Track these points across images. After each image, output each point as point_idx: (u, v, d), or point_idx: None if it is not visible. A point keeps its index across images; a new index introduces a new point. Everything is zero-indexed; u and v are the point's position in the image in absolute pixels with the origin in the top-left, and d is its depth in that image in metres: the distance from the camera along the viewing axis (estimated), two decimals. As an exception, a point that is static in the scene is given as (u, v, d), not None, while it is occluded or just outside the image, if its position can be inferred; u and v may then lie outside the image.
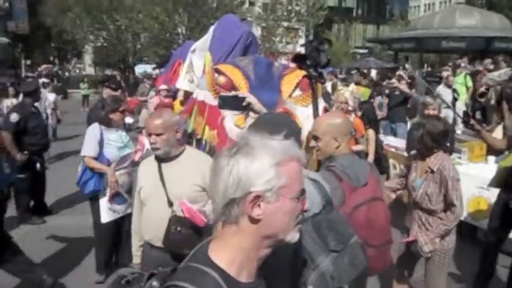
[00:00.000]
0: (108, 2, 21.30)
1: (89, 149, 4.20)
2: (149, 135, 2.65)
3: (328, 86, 10.29)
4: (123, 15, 21.07)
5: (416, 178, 3.27)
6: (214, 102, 3.31)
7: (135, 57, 26.42)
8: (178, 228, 2.57)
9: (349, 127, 2.45)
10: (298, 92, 3.43)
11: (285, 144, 1.03)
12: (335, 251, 1.56)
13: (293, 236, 1.04)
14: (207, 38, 4.37)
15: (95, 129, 4.23)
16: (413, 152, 4.12)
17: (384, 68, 19.80)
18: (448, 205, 3.09)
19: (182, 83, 4.52)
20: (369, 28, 52.60)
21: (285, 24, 32.32)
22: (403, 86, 8.55)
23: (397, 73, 9.75)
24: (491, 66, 10.02)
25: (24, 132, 5.84)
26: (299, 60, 3.37)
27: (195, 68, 4.25)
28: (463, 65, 13.01)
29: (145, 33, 21.92)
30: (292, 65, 3.72)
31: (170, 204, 2.64)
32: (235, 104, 2.91)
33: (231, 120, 3.29)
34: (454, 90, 10.13)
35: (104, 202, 4.15)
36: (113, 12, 21.74)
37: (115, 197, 4.15)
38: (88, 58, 35.37)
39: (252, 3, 34.26)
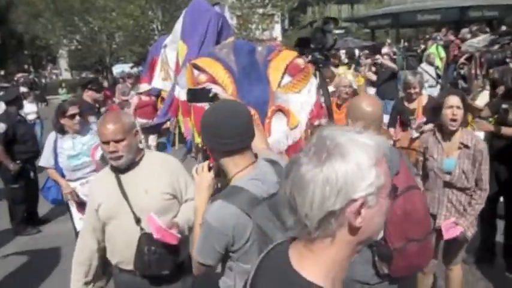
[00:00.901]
0: (79, 4, 20.85)
1: (43, 159, 4.10)
2: (106, 143, 2.27)
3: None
4: (95, 15, 20.71)
5: (444, 159, 3.03)
6: None
7: (112, 58, 26.05)
8: (153, 248, 2.24)
9: (382, 113, 2.37)
10: (287, 79, 3.13)
11: (375, 139, 0.91)
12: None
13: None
14: (177, 28, 4.17)
15: (50, 137, 4.09)
16: (427, 127, 4.05)
17: (365, 47, 19.90)
18: (477, 182, 2.96)
19: (156, 81, 4.40)
20: (343, 8, 52.46)
21: (260, 11, 32.17)
22: (388, 61, 8.59)
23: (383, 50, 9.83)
24: (469, 36, 10.12)
25: (13, 141, 5.76)
26: (302, 44, 3.10)
27: (170, 63, 4.10)
28: (438, 38, 13.11)
29: (120, 32, 21.58)
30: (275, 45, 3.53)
31: (137, 220, 2.30)
32: (204, 96, 2.52)
33: None
34: (437, 67, 10.23)
35: (74, 211, 4.04)
36: (84, 13, 21.34)
37: (82, 206, 3.77)
38: (64, 63, 34.70)
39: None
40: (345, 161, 0.84)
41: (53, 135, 4.06)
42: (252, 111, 2.48)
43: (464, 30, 11.03)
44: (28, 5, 24.93)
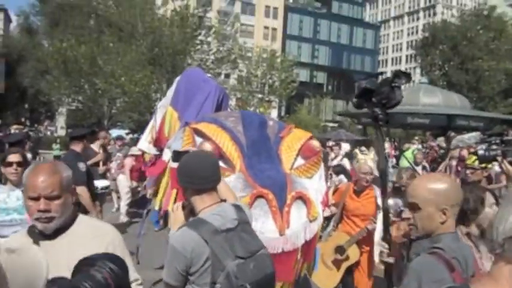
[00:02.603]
0: (88, 67, 21.77)
1: None
2: (35, 199, 1.80)
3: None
4: (102, 79, 21.53)
5: None
6: None
7: (110, 122, 26.58)
8: None
9: (460, 195, 1.88)
10: (300, 161, 2.81)
11: None
12: (242, 257, 1.92)
13: None
14: (168, 95, 3.99)
15: None
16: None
17: (357, 141, 20.56)
18: None
19: (142, 143, 4.13)
20: (338, 103, 54.87)
21: (259, 96, 33.59)
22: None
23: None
24: (444, 145, 10.55)
25: None
26: (364, 95, 2.50)
27: (157, 126, 3.87)
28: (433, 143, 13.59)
29: (124, 97, 22.30)
30: (287, 125, 3.14)
31: None
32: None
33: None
34: (424, 168, 10.59)
35: None
36: (92, 76, 22.19)
37: None
38: (62, 120, 35.27)
39: (227, 76, 35.59)
40: None
41: None
42: (270, 196, 2.42)
43: (440, 139, 11.55)
44: (38, 61, 25.94)
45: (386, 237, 2.95)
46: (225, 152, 2.69)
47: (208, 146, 2.64)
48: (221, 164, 2.51)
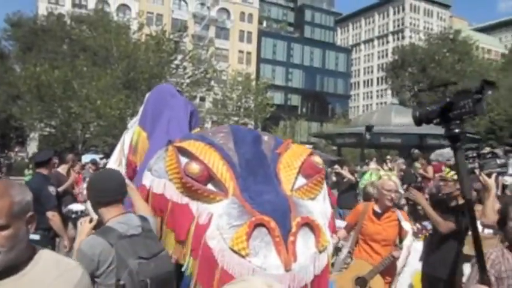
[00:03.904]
0: (62, 91, 21.56)
1: None
2: None
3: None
4: (76, 103, 21.34)
5: None
6: (183, 199, 2.36)
7: (84, 146, 26.22)
8: None
9: None
10: (302, 181, 2.45)
11: None
12: (144, 258, 2.17)
13: None
14: (139, 113, 3.72)
15: None
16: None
17: (332, 161, 20.86)
18: None
19: (110, 165, 3.73)
20: (313, 125, 55.58)
21: (235, 118, 33.81)
22: (346, 172, 9.10)
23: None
24: (403, 167, 10.72)
25: None
26: (446, 110, 2.17)
27: (125, 147, 3.57)
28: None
29: (99, 121, 22.11)
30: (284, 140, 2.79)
31: None
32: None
33: (221, 237, 2.11)
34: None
35: None
36: (66, 100, 21.96)
37: None
38: (33, 145, 34.53)
39: (202, 99, 35.75)
40: None
41: None
42: (272, 224, 2.05)
43: (400, 161, 11.81)
44: (10, 86, 25.50)
45: (483, 277, 2.26)
46: (216, 173, 2.33)
47: (195, 167, 2.31)
48: (211, 187, 2.31)
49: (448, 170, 4.82)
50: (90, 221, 2.47)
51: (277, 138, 2.80)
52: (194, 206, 2.32)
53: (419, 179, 9.06)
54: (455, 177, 4.52)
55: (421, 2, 79.74)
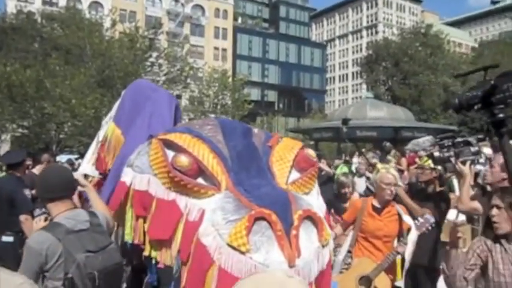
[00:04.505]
0: (34, 91, 21.09)
1: None
2: None
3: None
4: (50, 103, 20.91)
5: None
6: (170, 195, 2.16)
7: (59, 147, 25.73)
8: None
9: None
10: (295, 174, 2.33)
11: None
12: (92, 251, 2.29)
13: None
14: (113, 109, 3.55)
15: None
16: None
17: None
18: None
19: (85, 167, 3.58)
20: (290, 120, 55.86)
21: (212, 115, 33.71)
22: (324, 165, 9.22)
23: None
24: (373, 160, 10.93)
25: None
26: (490, 93, 1.96)
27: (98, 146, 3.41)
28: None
29: (74, 121, 21.73)
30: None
31: None
32: None
33: (217, 233, 1.92)
34: (368, 178, 11.01)
35: None
36: (39, 100, 21.49)
37: None
38: (6, 147, 33.67)
39: (179, 96, 35.50)
40: None
41: None
42: (273, 217, 1.89)
43: (370, 155, 12.05)
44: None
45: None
46: (207, 166, 2.14)
47: (184, 160, 2.11)
48: (201, 181, 2.14)
49: (425, 158, 4.95)
50: (46, 219, 2.55)
51: (267, 132, 2.68)
52: (182, 202, 2.12)
53: None
54: (432, 165, 4.68)
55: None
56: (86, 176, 3.38)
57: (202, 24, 54.67)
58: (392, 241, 3.81)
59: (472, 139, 4.18)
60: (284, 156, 2.35)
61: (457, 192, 5.38)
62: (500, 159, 3.95)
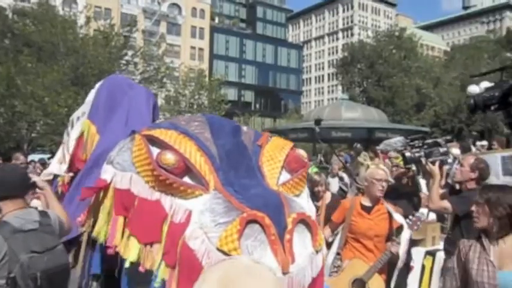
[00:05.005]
0: (5, 88, 20.53)
1: None
2: None
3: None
4: (21, 101, 20.39)
5: (496, 271, 2.34)
6: (154, 194, 2.03)
7: (30, 146, 25.13)
8: None
9: None
10: (286, 175, 2.23)
11: None
12: (37, 252, 2.30)
13: None
14: (85, 104, 3.38)
15: None
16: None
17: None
18: None
19: (53, 166, 3.42)
20: (266, 121, 56.00)
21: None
22: None
23: None
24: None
25: None
26: (507, 95, 1.80)
27: (70, 143, 3.24)
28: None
29: (46, 119, 21.24)
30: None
31: None
32: None
33: (206, 236, 1.80)
34: (341, 179, 11.20)
35: None
36: (10, 98, 20.93)
37: None
38: (-26, 146, 32.70)
39: (155, 95, 35.11)
40: None
41: None
42: (267, 220, 1.78)
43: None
44: None
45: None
46: (194, 165, 2.02)
47: (170, 157, 1.99)
48: (188, 180, 2.01)
49: (398, 156, 5.09)
50: None
51: (256, 131, 2.57)
52: (167, 202, 1.99)
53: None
54: (401, 163, 4.83)
55: (369, 1, 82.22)
56: (56, 176, 3.41)
57: (179, 23, 54.31)
58: (384, 241, 3.68)
59: (440, 140, 4.33)
60: (275, 156, 2.26)
61: (423, 191, 5.55)
62: (469, 159, 4.11)
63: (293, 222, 1.84)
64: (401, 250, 3.61)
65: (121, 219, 2.14)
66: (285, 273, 1.75)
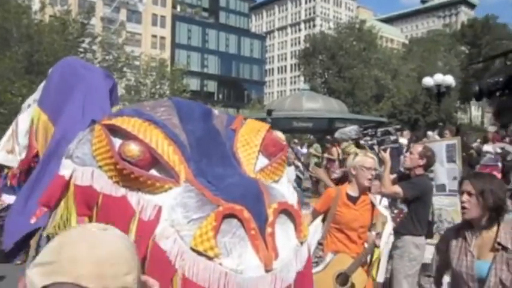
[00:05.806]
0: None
1: None
2: None
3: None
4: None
5: (474, 261, 2.37)
6: (118, 190, 1.81)
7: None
8: None
9: None
10: (264, 160, 2.05)
11: None
12: None
13: None
14: (35, 95, 3.17)
15: None
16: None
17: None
18: None
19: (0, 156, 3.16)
20: (229, 111, 55.92)
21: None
22: None
23: None
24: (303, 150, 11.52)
25: None
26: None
27: (19, 132, 3.04)
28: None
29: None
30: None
31: None
32: None
33: (178, 235, 1.64)
34: (297, 167, 11.45)
35: None
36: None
37: None
38: None
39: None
40: None
41: None
42: (245, 213, 1.62)
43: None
44: None
45: None
46: (161, 155, 1.82)
47: (134, 148, 1.77)
48: (156, 173, 1.82)
49: (352, 146, 5.28)
50: None
51: (228, 114, 2.33)
52: (134, 198, 1.78)
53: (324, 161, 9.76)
54: (352, 150, 5.04)
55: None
56: (2, 167, 3.14)
57: (140, 10, 53.10)
58: (366, 232, 3.56)
59: (391, 129, 4.56)
60: (250, 140, 2.04)
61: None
62: (418, 147, 4.37)
63: (274, 213, 1.67)
64: (382, 242, 3.69)
65: (86, 220, 1.89)
66: (268, 270, 1.59)
